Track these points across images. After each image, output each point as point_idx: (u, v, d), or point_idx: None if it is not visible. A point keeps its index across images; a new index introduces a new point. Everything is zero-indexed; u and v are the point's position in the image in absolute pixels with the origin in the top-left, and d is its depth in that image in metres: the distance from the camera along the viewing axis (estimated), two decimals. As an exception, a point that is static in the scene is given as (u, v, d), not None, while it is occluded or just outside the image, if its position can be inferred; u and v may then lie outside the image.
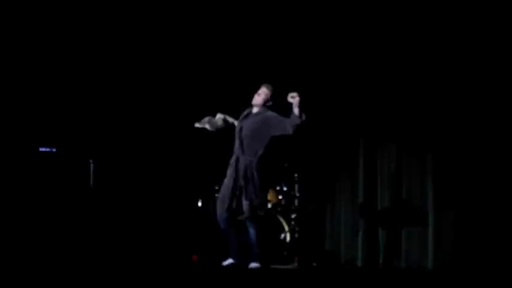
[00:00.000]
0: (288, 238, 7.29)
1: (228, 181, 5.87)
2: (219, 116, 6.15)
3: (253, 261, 5.80)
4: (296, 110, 5.67)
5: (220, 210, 5.86)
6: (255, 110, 6.03)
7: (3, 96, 7.84)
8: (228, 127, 6.14)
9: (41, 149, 7.49)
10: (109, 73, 8.03)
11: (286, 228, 7.33)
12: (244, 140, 5.88)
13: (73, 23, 7.73)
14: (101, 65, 8.00)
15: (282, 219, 7.38)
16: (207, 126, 6.11)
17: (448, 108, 6.18)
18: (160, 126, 8.05)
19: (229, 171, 5.90)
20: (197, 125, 6.17)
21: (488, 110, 5.89)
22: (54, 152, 7.53)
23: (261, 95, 6.00)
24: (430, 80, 6.33)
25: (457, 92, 6.12)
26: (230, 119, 6.19)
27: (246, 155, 5.83)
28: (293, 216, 7.50)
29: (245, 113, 6.08)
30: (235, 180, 5.81)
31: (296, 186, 7.62)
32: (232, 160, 5.90)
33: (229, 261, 5.86)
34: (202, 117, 6.20)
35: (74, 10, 7.65)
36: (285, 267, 6.86)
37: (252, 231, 5.83)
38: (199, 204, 8.01)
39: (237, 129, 5.99)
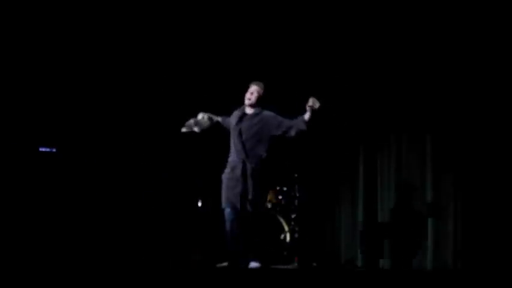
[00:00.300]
0: (288, 238, 7.29)
1: (234, 184, 5.80)
2: (203, 116, 6.07)
3: (254, 260, 5.80)
4: (307, 117, 5.65)
5: (230, 212, 5.83)
6: (249, 110, 5.96)
7: (3, 96, 7.85)
8: (213, 125, 6.08)
9: (41, 149, 7.50)
10: (109, 73, 8.04)
11: (286, 228, 7.33)
12: (247, 144, 5.82)
13: (73, 23, 7.73)
14: (101, 65, 8.00)
15: (282, 219, 7.38)
16: (195, 129, 6.01)
17: (448, 108, 6.18)
18: (160, 126, 8.05)
19: (233, 175, 5.83)
20: (184, 130, 6.06)
21: (488, 115, 5.87)
22: (54, 152, 7.54)
23: (253, 94, 5.92)
24: (433, 81, 6.32)
25: (457, 94, 6.11)
26: (214, 117, 6.12)
27: (251, 158, 5.79)
28: (293, 216, 7.50)
29: (238, 113, 5.98)
30: (244, 183, 5.75)
31: (296, 186, 7.62)
32: (235, 163, 5.84)
33: (226, 264, 5.85)
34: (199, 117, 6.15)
35: (74, 10, 7.66)
36: (285, 267, 6.86)
37: (255, 230, 5.83)
38: (199, 204, 8.02)
39: (235, 133, 5.89)
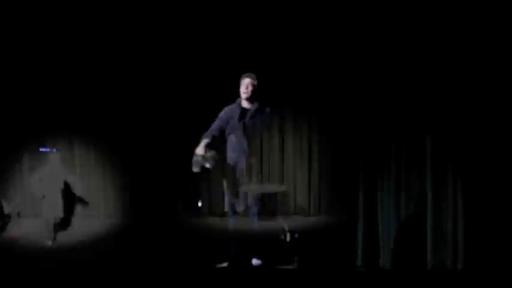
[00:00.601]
0: (288, 238, 7.28)
1: (237, 180, 5.80)
2: (203, 151, 5.71)
3: (256, 257, 5.78)
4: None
5: (232, 216, 5.81)
6: (247, 104, 5.87)
7: (4, 96, 7.86)
8: (218, 154, 5.87)
9: (41, 149, 7.50)
10: (109, 73, 8.04)
11: (286, 228, 7.31)
12: (251, 140, 5.79)
13: (74, 24, 7.74)
14: (100, 66, 8.01)
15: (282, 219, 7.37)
16: (207, 165, 5.69)
17: (446, 111, 6.16)
18: (160, 126, 8.05)
19: (237, 172, 5.82)
20: (196, 170, 5.74)
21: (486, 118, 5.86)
22: (54, 152, 7.55)
23: (248, 88, 5.81)
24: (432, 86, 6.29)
25: (456, 99, 6.09)
26: (207, 141, 5.82)
27: (251, 153, 5.78)
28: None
29: (236, 108, 5.87)
30: (249, 178, 5.76)
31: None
32: (238, 158, 5.81)
33: (225, 264, 5.84)
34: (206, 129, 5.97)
35: (74, 10, 7.67)
36: (285, 267, 6.85)
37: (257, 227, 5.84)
38: (199, 204, 8.01)
39: (237, 128, 5.81)
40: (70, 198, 7.16)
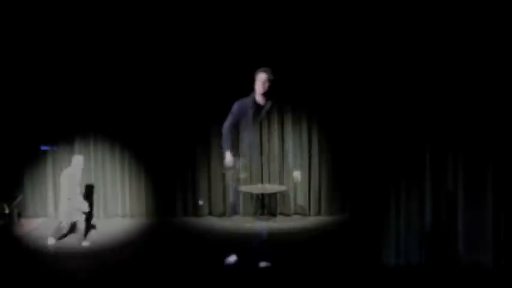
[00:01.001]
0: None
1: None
2: (234, 160, 5.57)
3: (264, 260, 5.78)
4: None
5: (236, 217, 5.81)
6: (262, 100, 5.65)
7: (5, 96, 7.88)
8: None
9: (42, 148, 7.51)
10: (109, 72, 8.07)
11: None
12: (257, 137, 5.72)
13: (78, 25, 7.77)
14: (100, 65, 8.03)
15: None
16: (243, 175, 5.66)
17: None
18: (160, 123, 8.07)
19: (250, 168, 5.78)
20: (244, 176, 5.65)
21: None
22: (55, 150, 7.56)
23: (265, 84, 5.56)
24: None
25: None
26: (230, 149, 5.67)
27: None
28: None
29: (250, 104, 5.64)
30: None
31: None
32: (251, 155, 5.71)
33: (233, 258, 5.84)
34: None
35: (75, 11, 7.69)
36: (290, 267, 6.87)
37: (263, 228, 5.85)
38: (200, 203, 8.02)
39: (252, 125, 5.63)
40: (87, 202, 7.06)
